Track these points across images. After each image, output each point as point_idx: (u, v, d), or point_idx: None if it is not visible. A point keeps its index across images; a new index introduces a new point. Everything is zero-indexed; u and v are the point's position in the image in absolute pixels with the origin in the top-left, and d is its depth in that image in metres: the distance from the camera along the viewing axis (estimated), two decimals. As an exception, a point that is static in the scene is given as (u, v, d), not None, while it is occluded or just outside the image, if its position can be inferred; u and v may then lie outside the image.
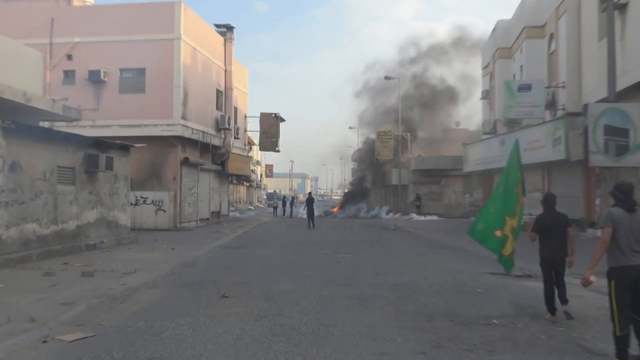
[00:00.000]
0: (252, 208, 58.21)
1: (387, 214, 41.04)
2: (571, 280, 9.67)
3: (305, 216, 27.98)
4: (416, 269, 11.68)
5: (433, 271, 11.26)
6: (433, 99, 45.87)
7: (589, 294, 8.53)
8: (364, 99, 78.28)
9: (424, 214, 38.00)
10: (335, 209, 46.90)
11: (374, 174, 49.06)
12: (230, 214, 35.31)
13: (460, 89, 45.84)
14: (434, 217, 36.31)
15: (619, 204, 4.89)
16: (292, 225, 29.04)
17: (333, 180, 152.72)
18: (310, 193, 29.66)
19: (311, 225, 25.84)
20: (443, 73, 61.45)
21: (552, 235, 6.86)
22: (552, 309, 6.85)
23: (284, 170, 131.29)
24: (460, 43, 46.90)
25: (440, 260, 13.37)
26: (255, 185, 69.43)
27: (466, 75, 45.13)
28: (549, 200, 7.11)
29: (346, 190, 65.24)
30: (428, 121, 45.68)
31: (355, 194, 49.73)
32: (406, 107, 45.23)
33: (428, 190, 41.34)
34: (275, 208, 43.76)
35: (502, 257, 7.80)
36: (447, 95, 45.89)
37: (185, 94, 23.20)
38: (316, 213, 41.24)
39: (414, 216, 37.02)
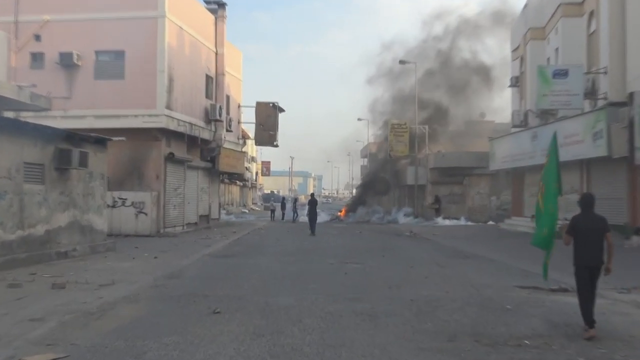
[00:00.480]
0: (247, 211, 58.33)
1: (406, 216, 40.93)
2: (615, 296, 9.65)
3: (307, 221, 27.87)
4: (436, 281, 11.76)
5: (455, 284, 11.31)
6: (462, 80, 45.04)
7: (636, 310, 8.51)
8: (377, 85, 77.80)
9: (449, 218, 37.84)
10: (341, 213, 46.84)
11: (387, 173, 49.02)
12: (222, 217, 35.32)
13: (498, 74, 44.32)
14: (462, 222, 36.10)
15: None
16: (292, 231, 29.05)
17: (339, 179, 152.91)
18: (313, 194, 29.60)
19: (314, 232, 25.83)
20: (473, 47, 58.51)
21: (589, 240, 6.99)
22: (590, 321, 6.87)
23: (283, 167, 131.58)
24: (500, 19, 44.26)
25: (463, 271, 13.45)
26: (250, 185, 69.53)
27: (505, 58, 42.62)
28: (586, 201, 7.23)
29: (354, 191, 65.16)
30: (453, 109, 45.24)
31: (371, 187, 49.11)
32: (428, 91, 44.77)
33: (449, 192, 41.29)
34: (272, 211, 43.78)
35: (546, 263, 7.78)
36: (481, 74, 44.63)
37: (171, 80, 23.24)
38: (325, 218, 41.18)
39: (439, 221, 36.85)
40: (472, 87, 45.22)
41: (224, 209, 46.24)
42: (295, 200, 46.58)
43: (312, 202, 27.58)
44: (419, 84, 42.00)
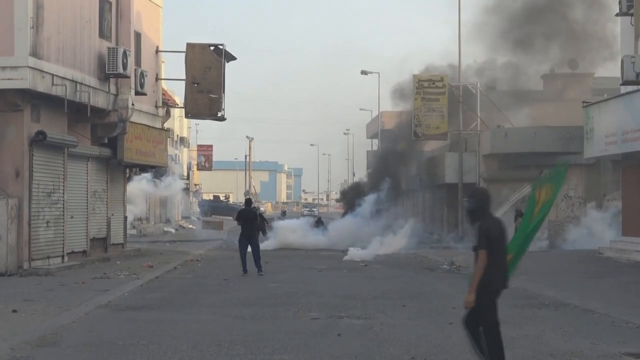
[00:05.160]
0: (173, 230, 58.19)
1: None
2: None
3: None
4: (491, 348, 11.75)
5: (524, 352, 11.47)
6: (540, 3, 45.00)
7: None
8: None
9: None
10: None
11: (410, 162, 49.06)
12: (130, 241, 35.12)
13: None
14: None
15: None
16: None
17: (332, 174, 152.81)
18: (249, 201, 28.11)
19: (260, 269, 24.76)
20: None
21: (502, 253, 9.53)
22: None
23: (234, 156, 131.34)
24: None
25: (538, 330, 13.63)
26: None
27: None
28: (488, 198, 9.97)
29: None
30: (522, 55, 45.28)
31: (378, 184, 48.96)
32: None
33: (516, 194, 41.40)
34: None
35: None
36: None
37: (39, 7, 23.07)
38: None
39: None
40: (556, 16, 45.25)
41: (135, 227, 45.98)
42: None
43: (246, 217, 25.58)
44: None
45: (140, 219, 51.50)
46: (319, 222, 49.93)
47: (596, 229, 37.30)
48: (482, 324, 9.46)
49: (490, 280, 9.37)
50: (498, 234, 9.42)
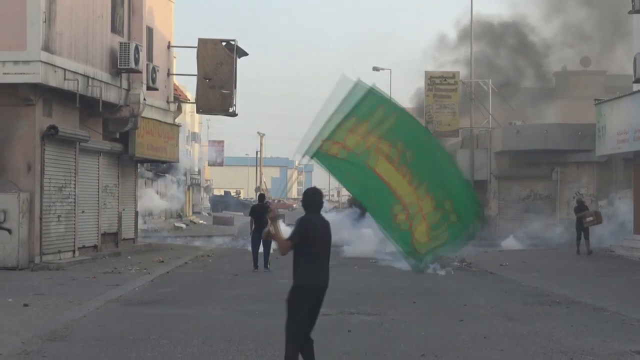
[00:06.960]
0: (183, 225, 58.25)
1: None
2: None
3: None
4: (501, 344, 12.00)
5: (534, 349, 11.55)
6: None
7: None
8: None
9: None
10: None
11: None
12: (142, 236, 35.19)
13: None
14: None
15: None
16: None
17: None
18: (262, 196, 27.77)
19: (266, 265, 24.55)
20: None
21: (324, 252, 9.71)
22: None
23: (246, 152, 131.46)
24: None
25: (548, 327, 13.63)
26: (189, 182, 69.34)
27: None
28: (318, 198, 9.74)
29: None
30: (535, 53, 45.33)
31: None
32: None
33: (527, 193, 41.38)
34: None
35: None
36: None
37: (51, 2, 23.10)
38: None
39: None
40: (565, 12, 45.40)
41: (145, 222, 46.05)
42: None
43: (259, 213, 24.72)
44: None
45: (151, 214, 51.59)
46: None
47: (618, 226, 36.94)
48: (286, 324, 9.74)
49: (303, 275, 9.65)
50: (319, 234, 9.60)
